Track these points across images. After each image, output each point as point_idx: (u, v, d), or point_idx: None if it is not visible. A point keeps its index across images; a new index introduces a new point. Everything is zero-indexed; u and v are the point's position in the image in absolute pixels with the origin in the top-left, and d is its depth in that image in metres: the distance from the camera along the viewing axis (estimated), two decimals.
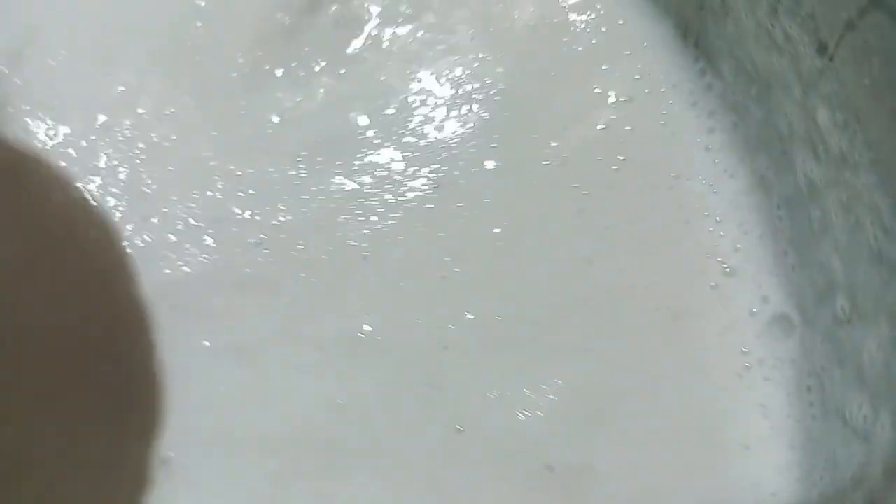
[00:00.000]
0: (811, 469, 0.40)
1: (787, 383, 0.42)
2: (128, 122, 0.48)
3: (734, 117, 0.47)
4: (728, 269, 0.44)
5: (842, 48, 0.36)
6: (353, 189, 0.47)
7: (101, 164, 0.47)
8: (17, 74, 0.50)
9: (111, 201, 0.46)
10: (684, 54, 0.48)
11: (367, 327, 0.44)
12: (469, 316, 0.44)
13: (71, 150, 0.47)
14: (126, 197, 0.47)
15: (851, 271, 0.39)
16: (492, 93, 0.49)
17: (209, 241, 0.46)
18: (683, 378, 0.43)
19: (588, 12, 0.50)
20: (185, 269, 0.45)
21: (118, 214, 0.46)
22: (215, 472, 0.42)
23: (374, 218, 0.46)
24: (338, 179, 0.47)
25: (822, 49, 0.37)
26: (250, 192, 0.47)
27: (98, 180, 0.47)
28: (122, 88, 0.49)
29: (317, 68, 0.50)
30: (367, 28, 0.51)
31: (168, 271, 0.45)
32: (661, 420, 0.42)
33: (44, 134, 0.48)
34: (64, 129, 0.48)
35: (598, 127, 0.48)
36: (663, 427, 0.42)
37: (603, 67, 0.49)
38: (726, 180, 0.46)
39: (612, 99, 0.48)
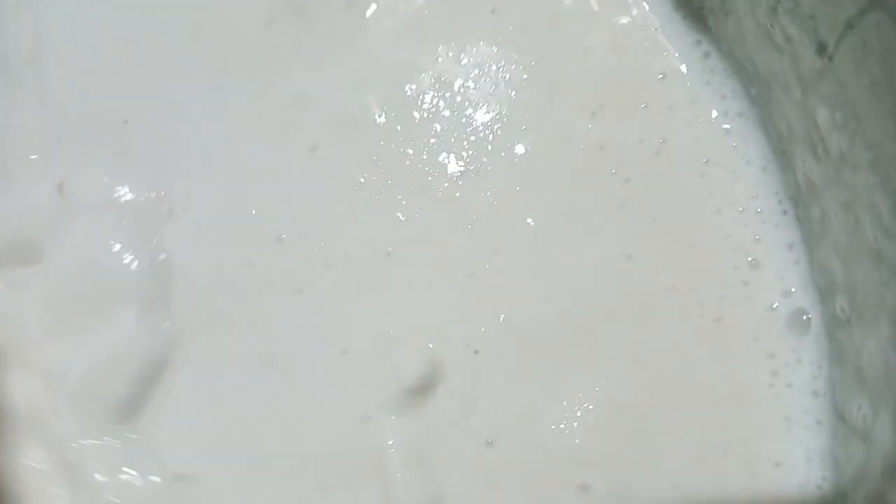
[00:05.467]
0: (819, 475, 0.44)
1: (803, 388, 0.45)
2: (139, 119, 0.51)
3: (740, 105, 0.49)
4: (753, 262, 0.47)
5: (841, 48, 0.38)
6: (374, 180, 0.49)
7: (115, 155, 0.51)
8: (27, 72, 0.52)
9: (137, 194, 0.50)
10: (688, 35, 0.50)
11: (392, 331, 0.47)
12: (502, 317, 0.47)
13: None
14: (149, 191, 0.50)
15: (851, 271, 0.42)
16: (520, 68, 0.50)
17: (229, 239, 0.49)
18: (725, 389, 0.45)
19: None
20: (213, 272, 0.49)
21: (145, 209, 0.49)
22: (243, 491, 0.46)
23: (398, 212, 0.48)
24: (357, 170, 0.49)
25: (821, 49, 0.40)
26: (266, 187, 0.49)
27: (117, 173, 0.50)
28: (133, 83, 0.52)
29: (330, 48, 0.51)
30: (381, 2, 0.52)
31: (200, 276, 0.48)
32: (700, 437, 0.45)
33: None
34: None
35: (641, 105, 0.49)
36: (703, 445, 0.45)
37: (637, 41, 0.50)
38: (744, 166, 0.48)
39: (648, 75, 0.49)
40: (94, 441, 0.47)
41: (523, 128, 0.50)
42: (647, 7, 0.50)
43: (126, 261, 0.48)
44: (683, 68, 0.49)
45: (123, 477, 0.46)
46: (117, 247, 0.48)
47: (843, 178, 0.41)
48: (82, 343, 0.48)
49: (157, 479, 0.46)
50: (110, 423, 0.47)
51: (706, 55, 0.49)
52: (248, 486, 0.46)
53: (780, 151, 0.47)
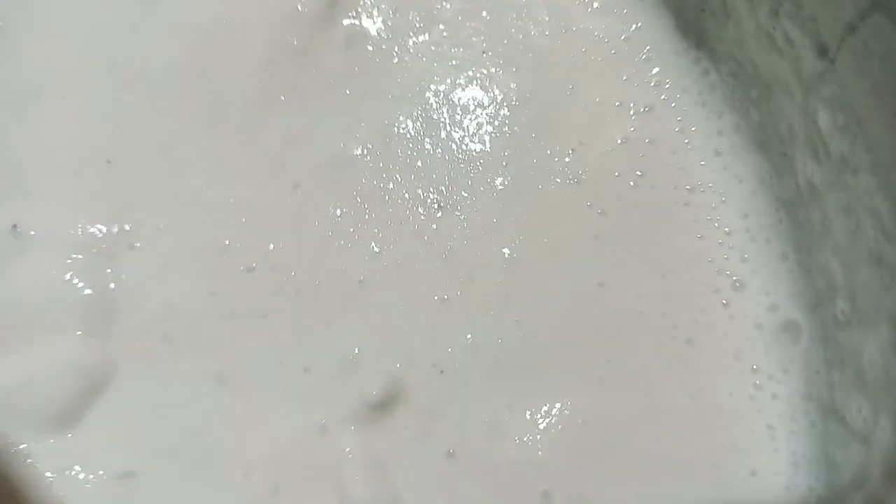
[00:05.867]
0: (811, 477, 0.44)
1: (791, 397, 0.45)
2: (123, 151, 0.51)
3: (738, 118, 0.50)
4: (737, 283, 0.47)
5: (843, 51, 0.39)
6: (352, 214, 0.49)
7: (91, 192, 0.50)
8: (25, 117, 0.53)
9: (98, 228, 0.50)
10: (686, 55, 0.51)
11: (357, 350, 0.47)
12: (469, 339, 0.47)
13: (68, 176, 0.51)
14: (113, 225, 0.50)
15: (851, 274, 0.42)
16: (504, 109, 0.52)
17: (196, 270, 0.49)
18: (695, 406, 0.45)
19: (606, 19, 0.52)
20: (170, 299, 0.48)
21: (104, 242, 0.49)
22: (191, 489, 0.45)
23: (373, 243, 0.49)
24: (337, 205, 0.50)
25: (822, 51, 0.41)
26: (243, 220, 0.49)
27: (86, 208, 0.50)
28: (126, 122, 0.52)
29: (324, 90, 0.52)
30: (377, 45, 0.53)
31: (154, 303, 0.48)
32: (668, 450, 0.45)
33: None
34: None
35: (618, 141, 0.50)
36: (670, 458, 0.45)
37: (623, 77, 0.51)
38: (735, 186, 0.49)
39: (632, 110, 0.51)
40: (31, 445, 0.46)
41: (504, 164, 0.51)
42: (642, 30, 0.52)
43: (71, 290, 0.48)
44: (676, 93, 0.51)
45: (68, 474, 0.45)
46: (64, 277, 0.48)
47: (844, 181, 0.41)
48: (14, 362, 0.47)
49: (101, 478, 0.45)
50: (47, 430, 0.46)
51: (706, 72, 0.51)
52: (196, 485, 0.45)
53: (781, 154, 0.48)
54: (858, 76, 0.38)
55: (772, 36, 0.45)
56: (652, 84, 0.51)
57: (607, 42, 0.53)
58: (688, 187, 0.49)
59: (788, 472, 0.44)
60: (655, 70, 0.51)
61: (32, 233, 0.49)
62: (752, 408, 0.45)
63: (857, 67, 0.38)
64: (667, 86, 0.51)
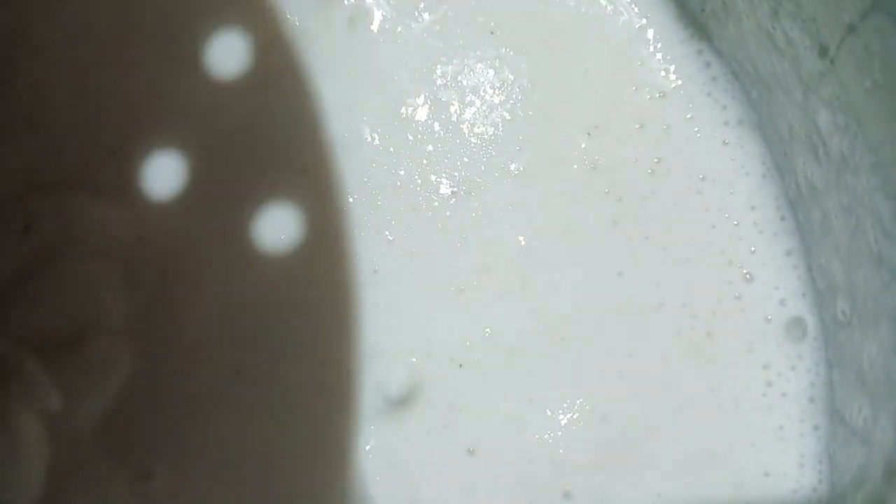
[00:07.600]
0: (815, 478, 0.46)
1: (798, 395, 0.47)
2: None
3: (740, 112, 0.51)
4: (747, 275, 0.49)
5: (843, 51, 0.39)
6: (361, 201, 0.51)
7: None
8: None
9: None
10: (690, 45, 0.52)
11: (373, 345, 0.48)
12: (487, 331, 0.48)
13: None
14: None
15: (852, 274, 0.43)
16: (515, 90, 0.52)
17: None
18: (715, 401, 0.47)
19: (616, 4, 0.53)
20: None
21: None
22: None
23: (387, 231, 0.50)
24: (345, 190, 0.51)
25: (823, 51, 0.41)
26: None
27: None
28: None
29: (326, 72, 0.53)
30: (380, 24, 0.53)
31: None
32: (688, 448, 0.47)
33: None
34: None
35: (636, 126, 0.51)
36: (689, 456, 0.47)
37: (638, 63, 0.52)
38: (742, 178, 0.50)
39: (648, 94, 0.51)
40: None
41: (517, 149, 0.51)
42: (647, 22, 0.53)
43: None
44: (684, 83, 0.51)
45: None
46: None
47: (844, 181, 0.42)
48: None
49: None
50: None
51: (708, 65, 0.51)
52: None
53: (781, 154, 0.49)
54: (858, 76, 0.39)
55: (772, 36, 0.46)
56: (662, 72, 0.52)
57: (620, 27, 0.53)
58: (700, 176, 0.50)
59: (796, 473, 0.46)
60: (666, 57, 0.52)
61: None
62: (765, 405, 0.47)
63: (857, 67, 0.39)
64: (675, 74, 0.52)
